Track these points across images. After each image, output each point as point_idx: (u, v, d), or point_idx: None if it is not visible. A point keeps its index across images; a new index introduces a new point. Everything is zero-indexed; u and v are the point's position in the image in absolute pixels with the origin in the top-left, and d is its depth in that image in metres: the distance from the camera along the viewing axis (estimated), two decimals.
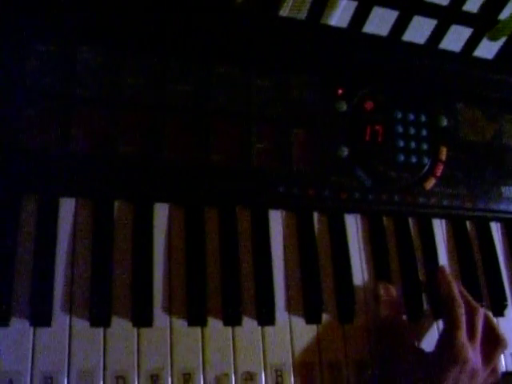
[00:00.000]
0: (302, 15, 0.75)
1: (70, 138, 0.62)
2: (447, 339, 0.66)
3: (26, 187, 0.62)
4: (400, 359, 0.67)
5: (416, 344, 0.71)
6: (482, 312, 0.70)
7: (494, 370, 0.70)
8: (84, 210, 0.63)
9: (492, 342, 0.70)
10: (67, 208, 0.63)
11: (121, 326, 0.60)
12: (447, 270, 0.74)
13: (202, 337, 0.63)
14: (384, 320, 0.69)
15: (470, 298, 0.72)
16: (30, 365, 0.56)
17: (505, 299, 0.79)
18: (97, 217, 0.63)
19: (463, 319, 0.67)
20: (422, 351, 0.69)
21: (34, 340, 0.57)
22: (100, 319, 0.59)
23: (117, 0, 0.67)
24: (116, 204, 0.64)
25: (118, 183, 0.64)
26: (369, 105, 0.75)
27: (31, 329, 0.57)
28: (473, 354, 0.65)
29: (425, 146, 0.78)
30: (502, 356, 0.76)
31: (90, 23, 0.65)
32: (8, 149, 0.60)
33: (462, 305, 0.69)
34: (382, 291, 0.71)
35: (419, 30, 0.78)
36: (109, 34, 0.66)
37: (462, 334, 0.66)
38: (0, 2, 0.62)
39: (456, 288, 0.71)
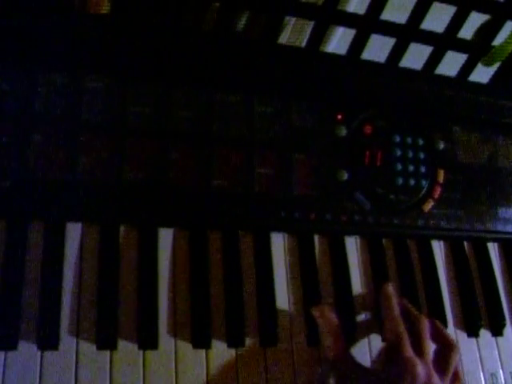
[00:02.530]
0: (301, 42, 0.77)
1: (76, 165, 0.64)
2: (392, 356, 0.65)
3: (33, 213, 0.63)
4: (349, 382, 0.66)
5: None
6: (426, 323, 0.69)
7: (457, 378, 0.69)
8: (90, 235, 0.64)
9: (445, 349, 0.69)
10: (74, 233, 0.64)
11: (127, 348, 0.61)
12: (389, 289, 0.73)
13: (207, 359, 0.64)
14: (325, 345, 0.67)
15: (414, 311, 0.71)
16: None
17: (503, 319, 0.80)
18: (103, 241, 0.64)
19: (404, 332, 0.66)
20: (370, 371, 0.68)
21: (41, 363, 0.58)
22: (106, 342, 0.60)
23: (121, 30, 0.69)
24: (121, 229, 0.66)
25: (123, 208, 0.65)
26: (368, 129, 0.77)
27: (39, 352, 0.58)
28: (422, 367, 0.63)
29: (423, 169, 0.79)
30: (502, 374, 0.77)
31: (96, 52, 0.67)
32: (15, 175, 0.61)
33: (400, 319, 0.68)
34: (316, 314, 0.69)
35: (416, 56, 0.80)
36: (114, 63, 0.68)
37: (407, 348, 0.65)
38: (8, 32, 0.64)
39: (394, 303, 0.70)
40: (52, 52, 0.65)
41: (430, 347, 0.68)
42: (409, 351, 0.65)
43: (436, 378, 0.64)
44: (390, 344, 0.67)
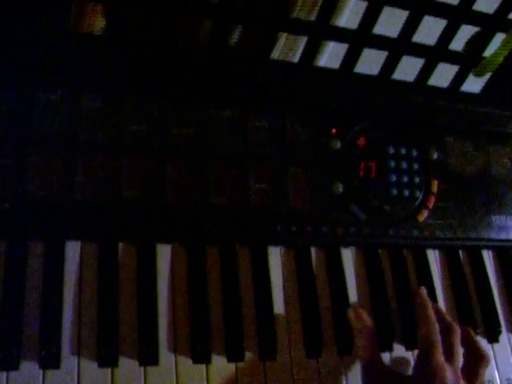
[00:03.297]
0: (293, 57, 0.78)
1: (74, 184, 0.64)
2: (424, 361, 0.67)
3: (32, 232, 0.63)
4: None
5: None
6: (458, 330, 0.71)
7: None
8: (89, 253, 0.65)
9: (475, 358, 0.71)
10: (73, 251, 0.65)
11: (128, 365, 0.62)
12: (424, 292, 0.75)
13: (207, 374, 0.64)
14: (360, 350, 0.69)
15: (447, 318, 0.73)
16: None
17: (499, 325, 0.81)
18: (102, 259, 0.65)
19: (438, 339, 0.68)
20: (400, 375, 0.70)
21: (43, 382, 0.59)
22: (108, 360, 0.61)
23: (116, 49, 0.69)
24: (120, 246, 0.66)
25: (121, 226, 0.65)
26: (361, 142, 0.78)
27: (41, 371, 0.59)
28: (451, 374, 0.65)
29: (417, 180, 0.80)
30: (498, 381, 0.78)
31: (91, 72, 0.68)
32: (14, 196, 0.62)
33: (436, 325, 0.69)
34: (352, 316, 0.71)
35: (408, 68, 0.81)
36: (109, 82, 0.68)
37: (438, 355, 0.66)
38: (5, 52, 0.64)
39: (430, 309, 0.72)
40: (48, 72, 0.66)
41: (461, 355, 0.70)
42: (440, 357, 0.66)
43: None
44: (423, 348, 0.68)
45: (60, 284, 0.63)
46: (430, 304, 0.73)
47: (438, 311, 0.73)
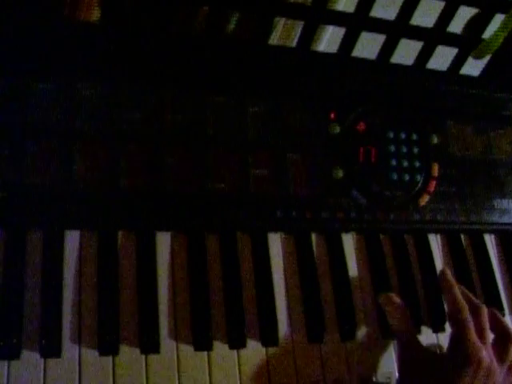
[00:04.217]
0: (291, 42, 0.77)
1: (72, 173, 0.64)
2: (457, 341, 0.67)
3: (31, 222, 0.63)
4: (416, 364, 0.68)
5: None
6: (486, 311, 0.71)
7: (511, 369, 0.70)
8: (89, 242, 0.65)
9: (503, 337, 0.71)
10: (72, 240, 0.64)
11: (129, 353, 0.62)
12: (448, 272, 0.74)
13: (209, 361, 0.64)
14: (395, 330, 0.71)
15: (474, 298, 0.73)
16: None
17: (501, 309, 0.81)
18: (101, 248, 0.65)
19: (470, 319, 0.68)
20: (437, 355, 0.70)
21: (45, 371, 0.59)
22: (108, 348, 0.61)
23: (111, 36, 0.69)
24: (119, 234, 0.66)
25: (120, 214, 0.65)
26: (361, 126, 0.77)
27: (42, 360, 0.59)
28: (486, 354, 0.65)
29: (417, 164, 0.80)
30: None
31: (88, 60, 0.67)
32: (12, 185, 0.62)
33: (466, 306, 0.69)
34: (382, 301, 0.72)
35: (407, 51, 0.80)
36: (106, 70, 0.68)
37: (472, 335, 0.66)
38: (1, 41, 0.64)
39: (457, 289, 0.71)
40: (44, 60, 0.65)
41: (490, 335, 0.70)
42: (474, 338, 0.66)
43: (496, 364, 0.66)
44: (456, 329, 0.68)
45: (60, 273, 0.62)
46: (455, 284, 0.72)
47: (463, 292, 0.73)
